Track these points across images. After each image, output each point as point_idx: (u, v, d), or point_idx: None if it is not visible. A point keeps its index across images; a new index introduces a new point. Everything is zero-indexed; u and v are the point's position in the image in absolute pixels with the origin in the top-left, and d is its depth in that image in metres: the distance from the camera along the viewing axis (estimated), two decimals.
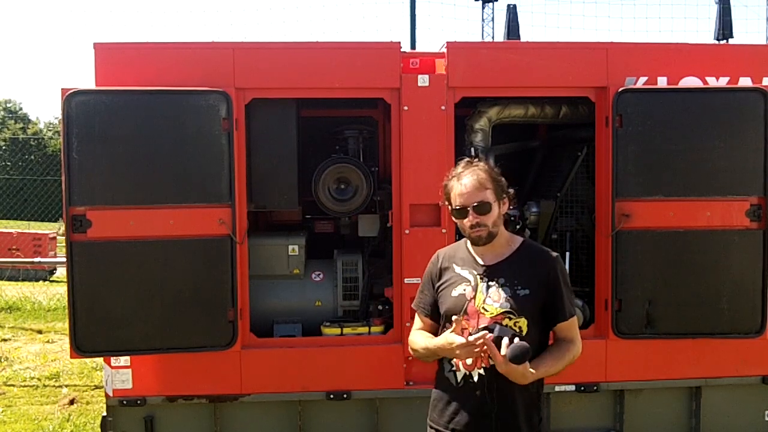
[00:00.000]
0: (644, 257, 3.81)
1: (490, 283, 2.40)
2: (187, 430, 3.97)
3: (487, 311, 2.36)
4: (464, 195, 2.38)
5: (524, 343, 2.19)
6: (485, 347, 2.20)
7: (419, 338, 2.53)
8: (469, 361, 2.37)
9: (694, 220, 3.79)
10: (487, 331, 2.22)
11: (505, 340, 2.19)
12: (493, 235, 2.41)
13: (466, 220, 2.39)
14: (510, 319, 2.34)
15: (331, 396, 3.91)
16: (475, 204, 2.37)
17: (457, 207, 2.40)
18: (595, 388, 4.02)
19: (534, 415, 2.42)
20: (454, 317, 2.33)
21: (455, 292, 2.44)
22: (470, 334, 2.30)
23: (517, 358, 2.17)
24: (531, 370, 2.22)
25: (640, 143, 3.77)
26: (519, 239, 2.52)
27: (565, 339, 2.42)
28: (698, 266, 3.81)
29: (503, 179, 2.47)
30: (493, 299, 2.37)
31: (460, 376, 2.41)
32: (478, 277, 2.42)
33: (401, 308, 3.88)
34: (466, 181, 2.39)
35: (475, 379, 2.37)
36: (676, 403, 4.18)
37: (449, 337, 2.29)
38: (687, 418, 4.19)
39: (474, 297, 2.40)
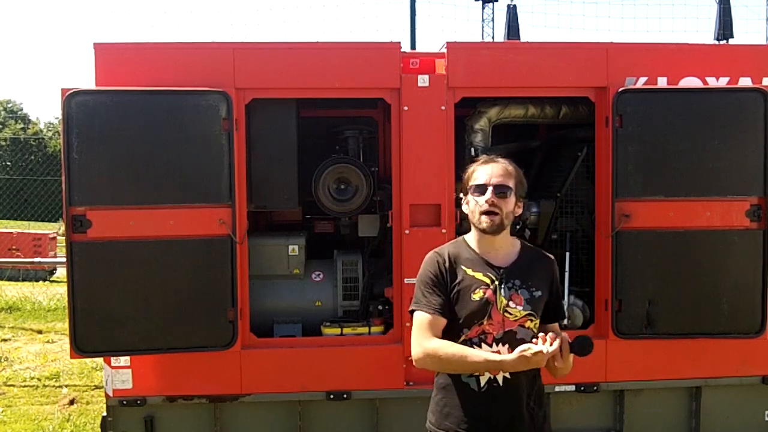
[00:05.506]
0: (644, 257, 3.81)
1: (508, 285, 2.38)
2: (187, 430, 3.97)
3: (510, 314, 2.35)
4: (489, 175, 2.38)
5: (586, 336, 2.31)
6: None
7: (451, 347, 2.32)
8: None
9: (694, 220, 3.79)
10: (554, 335, 2.24)
11: (546, 341, 2.22)
12: (503, 226, 2.38)
13: (482, 198, 2.35)
14: (531, 321, 2.36)
15: (331, 396, 3.91)
16: (498, 184, 2.36)
17: (478, 183, 2.38)
18: (595, 388, 4.02)
19: (547, 412, 2.49)
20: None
21: (475, 296, 2.36)
22: (493, 339, 2.33)
23: (585, 351, 2.26)
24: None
25: (640, 143, 3.76)
26: (517, 241, 2.53)
27: None
28: (698, 266, 3.81)
29: (525, 183, 2.47)
30: (516, 302, 2.37)
31: (483, 380, 2.36)
32: (496, 280, 2.39)
33: (401, 308, 3.87)
34: (495, 165, 2.41)
35: (500, 382, 2.35)
36: (676, 403, 4.18)
37: (525, 348, 2.21)
38: (687, 418, 4.19)
39: (495, 301, 2.37)
